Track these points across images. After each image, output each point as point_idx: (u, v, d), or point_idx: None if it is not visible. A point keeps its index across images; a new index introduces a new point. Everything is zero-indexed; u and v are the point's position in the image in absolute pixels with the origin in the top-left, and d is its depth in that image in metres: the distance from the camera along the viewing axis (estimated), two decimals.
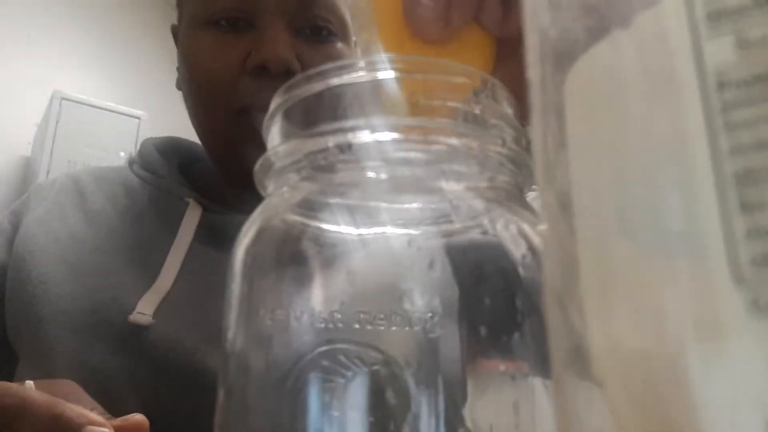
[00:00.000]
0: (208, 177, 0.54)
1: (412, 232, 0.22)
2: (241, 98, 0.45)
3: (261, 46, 0.45)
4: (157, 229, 0.48)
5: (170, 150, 0.57)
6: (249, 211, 0.24)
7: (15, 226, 0.49)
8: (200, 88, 0.47)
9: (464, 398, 0.20)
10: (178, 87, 0.53)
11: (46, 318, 0.41)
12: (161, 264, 0.45)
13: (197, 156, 0.58)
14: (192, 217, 0.48)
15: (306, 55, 0.46)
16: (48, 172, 1.87)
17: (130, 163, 0.56)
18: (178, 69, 0.53)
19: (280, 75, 0.44)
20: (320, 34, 0.48)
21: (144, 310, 0.42)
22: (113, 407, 0.39)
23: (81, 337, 0.41)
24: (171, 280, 0.44)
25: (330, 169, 0.21)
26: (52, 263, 0.44)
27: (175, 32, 0.54)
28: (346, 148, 0.21)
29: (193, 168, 0.56)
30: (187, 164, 0.56)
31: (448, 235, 0.22)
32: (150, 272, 0.45)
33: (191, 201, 0.49)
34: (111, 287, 0.43)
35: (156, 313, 0.42)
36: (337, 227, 0.22)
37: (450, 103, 0.22)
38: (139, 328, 0.41)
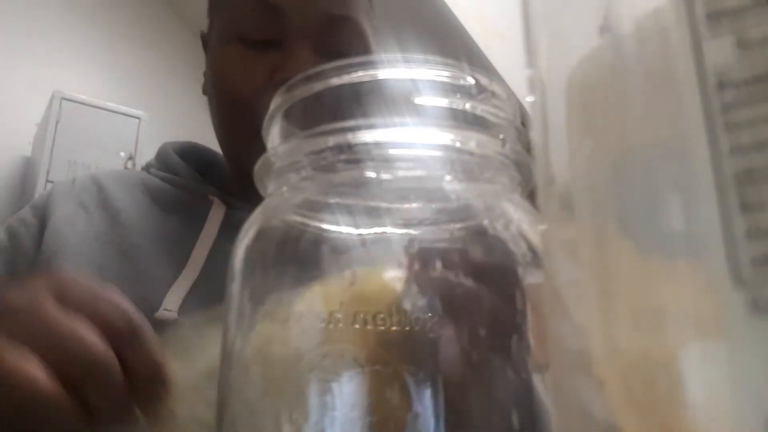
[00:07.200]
0: (229, 177, 0.55)
1: (412, 232, 0.22)
2: (264, 113, 0.45)
3: (286, 63, 0.46)
4: (181, 227, 0.49)
5: (188, 153, 0.58)
6: None
7: (42, 220, 0.50)
8: (226, 101, 0.49)
9: (463, 398, 0.20)
10: (204, 92, 0.55)
11: None
12: (186, 260, 0.46)
13: (216, 159, 0.59)
14: (216, 215, 0.49)
15: None
16: (48, 172, 1.87)
17: (147, 167, 0.57)
18: (205, 74, 0.54)
19: None
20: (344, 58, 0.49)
21: (170, 306, 0.43)
22: None
23: None
24: (195, 275, 0.45)
25: (330, 169, 0.21)
26: (83, 265, 0.45)
27: (205, 40, 0.55)
28: (346, 148, 0.21)
29: (215, 170, 0.57)
30: (206, 166, 0.57)
31: (448, 235, 0.22)
32: (176, 269, 0.46)
33: (215, 199, 0.51)
34: (139, 288, 0.44)
35: (181, 308, 0.43)
36: (337, 227, 0.22)
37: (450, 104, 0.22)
38: (165, 324, 0.42)
